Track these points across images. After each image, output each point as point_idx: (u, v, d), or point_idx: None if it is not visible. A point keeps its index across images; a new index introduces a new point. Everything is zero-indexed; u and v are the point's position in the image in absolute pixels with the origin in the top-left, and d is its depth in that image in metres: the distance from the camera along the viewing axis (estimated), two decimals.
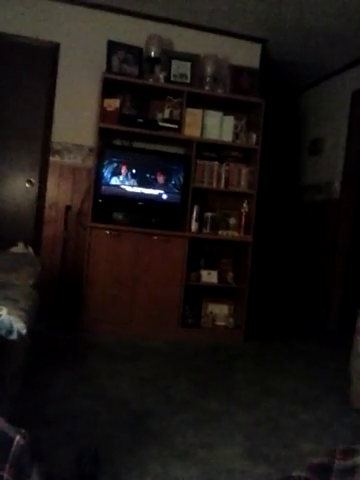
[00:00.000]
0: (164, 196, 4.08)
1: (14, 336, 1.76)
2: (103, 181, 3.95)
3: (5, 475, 0.83)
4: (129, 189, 4.01)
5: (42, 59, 4.18)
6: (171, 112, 4.12)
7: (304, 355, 3.94)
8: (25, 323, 1.82)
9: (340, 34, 4.27)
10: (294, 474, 1.00)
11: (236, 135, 4.24)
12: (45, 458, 1.81)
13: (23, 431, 0.92)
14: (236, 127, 4.24)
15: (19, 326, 1.77)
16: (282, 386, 3.07)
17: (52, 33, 4.13)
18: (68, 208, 4.07)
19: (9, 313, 1.77)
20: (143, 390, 2.75)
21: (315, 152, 5.41)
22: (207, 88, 4.21)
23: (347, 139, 4.91)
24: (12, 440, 0.89)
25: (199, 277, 4.16)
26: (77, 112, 4.16)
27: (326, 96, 5.38)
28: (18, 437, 0.89)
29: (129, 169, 3.99)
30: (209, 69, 4.22)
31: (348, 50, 4.57)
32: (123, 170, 3.99)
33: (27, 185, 4.18)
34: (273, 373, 3.34)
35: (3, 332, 1.75)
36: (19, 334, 1.76)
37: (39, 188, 4.19)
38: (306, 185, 5.58)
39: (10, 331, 1.76)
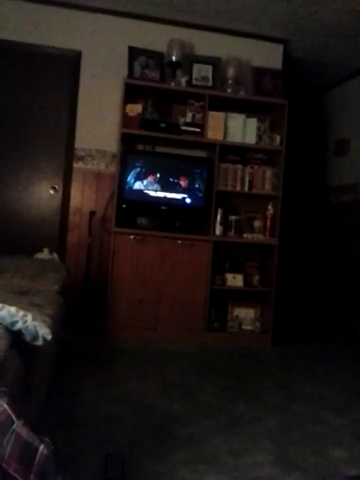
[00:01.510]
0: (188, 200, 4.06)
1: (39, 342, 1.76)
2: (126, 186, 3.96)
3: None
4: (152, 194, 4.00)
5: (64, 67, 4.22)
6: (193, 116, 4.10)
7: (333, 359, 3.86)
8: (50, 329, 1.82)
9: None
10: None
11: (259, 137, 4.20)
12: (72, 463, 1.81)
13: (47, 440, 0.91)
14: (259, 129, 4.20)
15: (44, 332, 1.77)
16: (311, 391, 3.01)
17: (74, 41, 4.17)
18: (92, 214, 4.09)
19: (34, 319, 1.78)
20: (170, 395, 2.73)
21: (341, 153, 5.32)
22: (229, 91, 4.18)
23: None
24: (36, 450, 0.87)
25: (224, 281, 4.13)
26: (100, 118, 4.18)
27: (351, 95, 5.28)
28: (42, 446, 0.88)
29: (152, 174, 3.99)
30: (231, 72, 4.20)
31: None
32: (146, 175, 3.99)
33: (51, 192, 4.22)
34: (302, 377, 3.28)
35: (28, 338, 1.75)
36: (44, 340, 1.76)
37: (63, 194, 4.23)
38: (332, 186, 5.49)
39: (35, 337, 1.76)
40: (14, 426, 0.93)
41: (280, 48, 4.55)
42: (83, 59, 4.19)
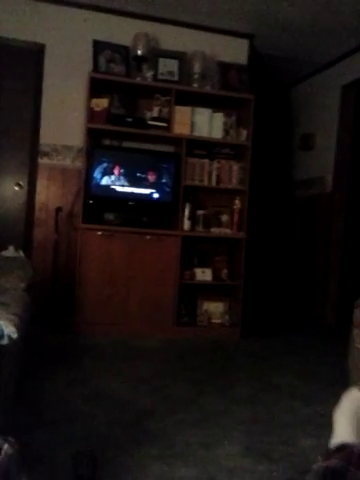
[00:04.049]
0: (155, 195, 4.05)
1: (5, 341, 1.73)
2: (93, 182, 3.91)
3: None
4: (120, 189, 3.97)
5: (28, 60, 4.14)
6: (160, 110, 4.08)
7: (302, 350, 3.92)
8: (16, 327, 1.79)
9: (328, 28, 4.24)
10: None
11: (226, 132, 4.21)
12: (42, 462, 1.78)
13: (11, 439, 0.89)
14: (226, 124, 4.21)
15: (10, 330, 1.74)
16: (281, 382, 3.04)
17: (37, 34, 4.08)
18: (58, 210, 4.03)
19: (0, 318, 1.74)
20: (140, 390, 2.72)
21: (306, 147, 5.39)
22: (195, 85, 4.18)
23: (338, 133, 4.90)
24: (0, 450, 0.85)
25: (193, 275, 4.13)
26: (65, 113, 4.11)
27: (316, 90, 5.36)
28: (6, 446, 0.86)
29: (119, 169, 3.96)
30: (197, 66, 4.19)
31: (337, 44, 4.55)
32: (113, 170, 3.95)
33: (16, 188, 4.14)
34: (271, 369, 3.31)
35: None
36: (10, 338, 1.73)
37: (28, 191, 4.15)
38: (298, 180, 5.56)
39: (1, 336, 1.73)
40: None
41: (246, 43, 4.57)
42: (47, 52, 4.11)
